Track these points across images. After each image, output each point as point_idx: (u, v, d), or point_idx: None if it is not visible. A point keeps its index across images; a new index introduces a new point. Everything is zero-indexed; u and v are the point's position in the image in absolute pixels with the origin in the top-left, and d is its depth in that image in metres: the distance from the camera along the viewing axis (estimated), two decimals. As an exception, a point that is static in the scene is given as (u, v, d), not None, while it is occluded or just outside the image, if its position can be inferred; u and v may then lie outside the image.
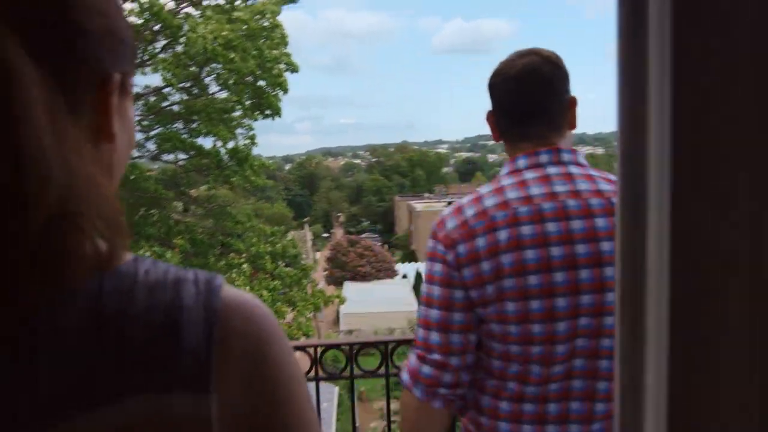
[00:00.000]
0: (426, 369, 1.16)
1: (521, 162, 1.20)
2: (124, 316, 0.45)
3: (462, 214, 1.16)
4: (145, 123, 9.87)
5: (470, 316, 1.14)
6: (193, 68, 9.34)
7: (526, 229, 1.10)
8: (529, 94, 1.22)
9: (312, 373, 1.89)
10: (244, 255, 9.39)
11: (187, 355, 0.45)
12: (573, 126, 1.27)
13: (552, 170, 1.17)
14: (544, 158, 1.19)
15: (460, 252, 1.13)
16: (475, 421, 1.22)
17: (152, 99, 10.05)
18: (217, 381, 0.46)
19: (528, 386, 1.14)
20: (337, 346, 2.01)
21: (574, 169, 1.18)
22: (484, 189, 1.21)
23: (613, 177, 1.19)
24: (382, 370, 1.96)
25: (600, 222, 1.12)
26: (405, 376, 1.21)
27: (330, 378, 2.02)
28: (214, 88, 9.98)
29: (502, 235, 1.10)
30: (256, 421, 0.49)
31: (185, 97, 10.05)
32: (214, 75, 9.55)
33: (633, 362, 0.24)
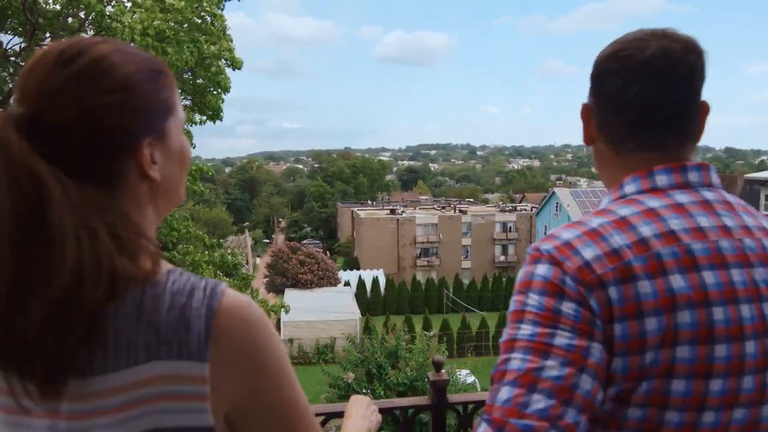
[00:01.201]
0: None
1: (663, 178, 0.91)
2: (155, 312, 0.70)
3: (605, 241, 0.83)
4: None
5: (597, 390, 0.78)
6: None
7: (709, 277, 0.81)
8: (667, 90, 0.92)
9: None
10: (178, 267, 8.61)
11: (194, 338, 0.69)
12: (698, 138, 0.98)
13: (708, 195, 0.89)
14: (693, 177, 0.91)
15: (613, 298, 0.79)
16: None
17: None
18: (212, 354, 0.70)
19: None
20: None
21: (729, 196, 0.91)
22: (624, 210, 0.88)
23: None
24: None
25: None
26: None
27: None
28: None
29: (678, 281, 0.80)
30: (246, 388, 0.73)
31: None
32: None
33: None
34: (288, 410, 0.76)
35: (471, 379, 14.72)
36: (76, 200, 0.67)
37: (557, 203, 44.06)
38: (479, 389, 13.33)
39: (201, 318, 0.70)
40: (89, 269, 0.66)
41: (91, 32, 8.52)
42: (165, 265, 0.75)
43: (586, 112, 1.01)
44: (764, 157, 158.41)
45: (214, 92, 8.40)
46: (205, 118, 8.64)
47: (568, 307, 0.79)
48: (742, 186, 28.23)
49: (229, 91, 8.49)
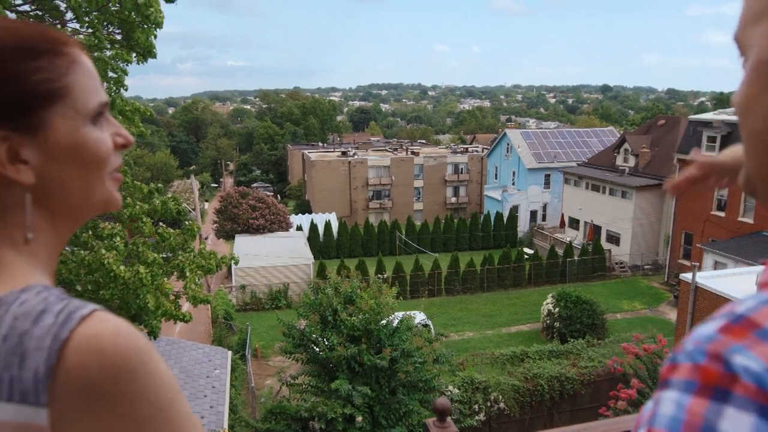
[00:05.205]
0: None
1: None
2: None
3: None
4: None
5: None
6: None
7: None
8: None
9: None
10: (116, 225, 7.92)
11: (29, 375, 0.56)
12: None
13: None
14: None
15: None
16: None
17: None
18: (55, 397, 0.56)
19: None
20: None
21: None
22: None
23: None
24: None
25: None
26: None
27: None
28: (69, 15, 8.16)
29: None
30: None
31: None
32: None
33: None
34: None
35: (426, 322, 14.90)
36: None
37: (508, 144, 44.32)
38: (433, 333, 13.48)
39: (42, 350, 0.56)
40: None
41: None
42: (21, 279, 0.63)
43: None
44: (703, 99, 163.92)
45: (144, 27, 7.51)
46: (134, 55, 7.79)
47: None
48: (686, 128, 28.98)
49: (161, 27, 7.61)
